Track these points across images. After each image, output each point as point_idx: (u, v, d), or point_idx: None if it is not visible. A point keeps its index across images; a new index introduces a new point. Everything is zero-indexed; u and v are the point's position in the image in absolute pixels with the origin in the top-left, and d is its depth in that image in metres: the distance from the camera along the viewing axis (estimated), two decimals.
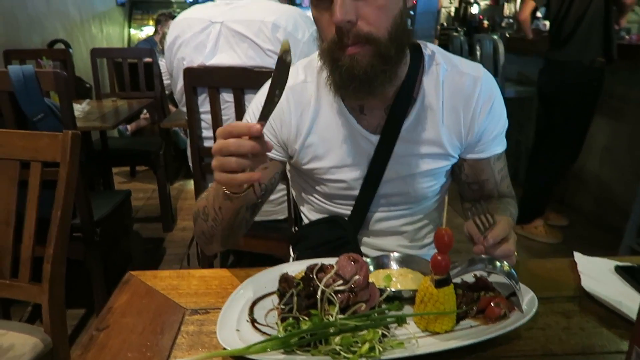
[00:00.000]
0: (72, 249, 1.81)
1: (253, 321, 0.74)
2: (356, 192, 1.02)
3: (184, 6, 5.80)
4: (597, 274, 0.88)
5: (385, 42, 0.84)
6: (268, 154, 0.97)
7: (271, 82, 0.72)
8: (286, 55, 0.70)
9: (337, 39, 0.83)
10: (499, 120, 1.00)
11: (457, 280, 0.80)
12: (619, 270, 0.89)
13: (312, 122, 0.99)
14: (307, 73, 1.00)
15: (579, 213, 3.30)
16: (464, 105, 0.97)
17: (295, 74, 1.01)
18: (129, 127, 4.07)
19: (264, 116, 0.72)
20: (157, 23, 4.36)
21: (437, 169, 1.02)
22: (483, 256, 0.79)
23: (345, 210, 1.06)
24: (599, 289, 0.83)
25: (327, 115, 0.99)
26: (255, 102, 1.03)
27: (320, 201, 1.09)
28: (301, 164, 1.03)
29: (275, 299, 0.78)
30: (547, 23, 3.03)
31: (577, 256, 0.94)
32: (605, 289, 0.82)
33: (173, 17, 4.30)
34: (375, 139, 0.98)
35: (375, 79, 0.86)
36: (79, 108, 2.47)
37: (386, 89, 0.91)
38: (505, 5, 4.91)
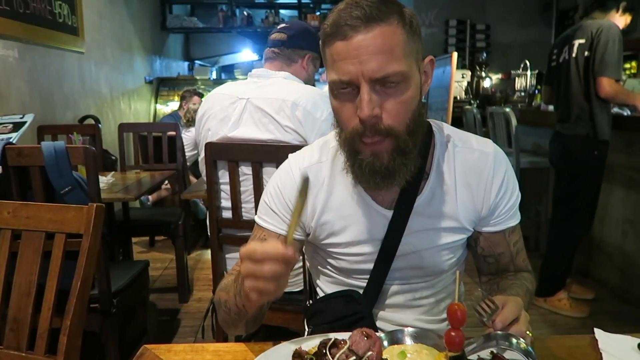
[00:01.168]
0: (89, 321, 1.80)
1: None
2: (371, 266, 1.03)
3: (208, 83, 6.12)
4: (620, 352, 0.85)
5: (404, 136, 0.88)
6: (286, 233, 1.01)
7: (297, 207, 0.78)
8: (307, 179, 0.80)
9: (357, 132, 0.88)
10: (512, 193, 1.02)
11: (474, 357, 0.78)
12: None
13: (326, 200, 1.02)
14: (322, 153, 1.05)
15: (605, 286, 3.20)
16: (477, 181, 1.00)
17: (310, 154, 1.05)
18: (150, 197, 4.17)
19: (292, 241, 0.78)
20: (182, 99, 4.59)
21: (453, 242, 1.03)
22: (499, 332, 0.78)
23: (361, 282, 1.06)
24: None
25: (341, 193, 1.02)
26: (267, 192, 1.06)
27: (336, 274, 1.09)
28: (318, 240, 1.05)
29: None
30: None
31: (598, 333, 0.92)
32: None
33: (197, 93, 4.55)
34: (389, 214, 1.00)
35: (397, 173, 0.90)
36: (104, 180, 2.56)
37: (406, 179, 0.94)
38: (517, 79, 5.06)
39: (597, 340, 0.89)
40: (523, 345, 0.75)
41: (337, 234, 1.03)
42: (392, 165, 0.88)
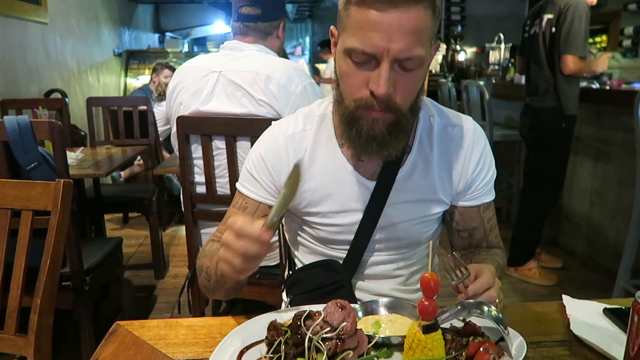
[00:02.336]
0: (61, 299, 1.79)
1: None
2: (351, 237, 1.04)
3: (179, 56, 5.97)
4: (586, 317, 0.88)
5: (406, 114, 0.89)
6: (268, 201, 1.03)
7: (286, 192, 0.76)
8: (299, 167, 0.78)
9: (366, 103, 0.87)
10: (488, 169, 1.05)
11: (446, 325, 0.80)
12: (608, 313, 0.89)
13: (308, 168, 1.02)
14: (306, 121, 1.04)
15: (573, 255, 3.31)
16: (456, 155, 1.02)
17: (295, 122, 1.05)
18: (122, 173, 4.09)
19: (274, 225, 0.75)
20: (153, 71, 4.47)
21: (430, 215, 1.05)
22: (471, 301, 0.79)
23: (340, 253, 1.07)
24: (588, 332, 0.83)
25: (324, 162, 1.02)
26: (249, 159, 1.06)
27: (315, 245, 1.10)
28: (298, 208, 1.06)
29: (264, 347, 0.78)
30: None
31: (566, 299, 0.95)
32: (595, 333, 0.82)
33: (169, 67, 4.43)
34: (371, 185, 1.01)
35: (391, 146, 0.91)
36: (73, 156, 2.49)
37: (396, 153, 0.94)
38: (491, 52, 5.08)
39: (564, 306, 0.92)
40: (494, 312, 0.76)
41: (317, 203, 1.03)
42: (388, 137, 0.89)
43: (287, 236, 1.21)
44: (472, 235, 1.08)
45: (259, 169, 1.03)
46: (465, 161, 1.02)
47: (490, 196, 1.07)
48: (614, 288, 2.45)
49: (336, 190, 1.02)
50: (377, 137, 0.89)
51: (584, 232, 3.21)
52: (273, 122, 1.08)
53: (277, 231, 1.14)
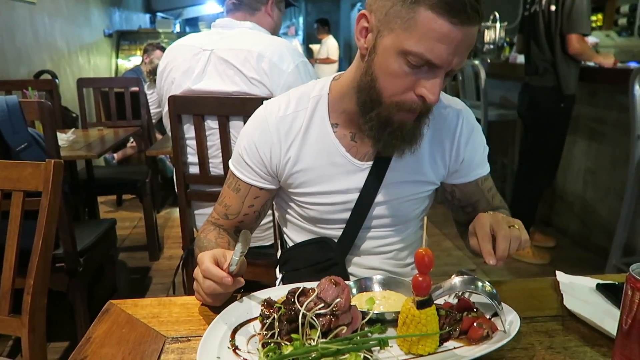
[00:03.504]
0: (55, 280, 1.78)
1: (234, 348, 0.73)
2: (346, 216, 1.05)
3: (171, 36, 5.89)
4: (580, 293, 0.89)
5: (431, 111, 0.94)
6: (259, 184, 1.05)
7: (241, 250, 0.80)
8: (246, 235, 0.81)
9: (411, 107, 0.87)
10: (479, 147, 1.07)
11: (440, 301, 0.80)
12: (601, 288, 0.89)
13: (300, 149, 1.02)
14: (299, 103, 1.03)
15: (566, 234, 3.33)
16: (447, 136, 1.03)
17: (287, 103, 1.03)
18: (115, 155, 4.06)
19: (234, 271, 0.81)
20: (145, 52, 4.40)
21: (420, 193, 1.07)
22: (465, 277, 0.79)
23: (331, 232, 1.08)
24: (581, 307, 0.83)
25: (316, 143, 1.01)
26: (241, 143, 1.06)
27: (304, 223, 1.11)
28: (290, 188, 1.06)
29: (257, 324, 0.78)
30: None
31: (560, 275, 0.95)
32: (588, 308, 0.83)
33: (160, 47, 4.37)
34: (363, 166, 1.01)
35: (414, 139, 0.94)
36: (64, 137, 2.46)
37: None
38: (486, 32, 5.03)
39: (558, 282, 0.92)
40: (488, 288, 0.77)
41: (309, 184, 1.03)
42: (414, 132, 0.92)
43: (276, 214, 1.21)
44: (476, 209, 1.10)
45: (251, 154, 1.03)
46: (456, 142, 1.03)
47: (486, 169, 1.09)
48: (606, 266, 2.47)
49: (328, 171, 1.02)
50: (403, 135, 0.91)
51: (577, 211, 3.23)
52: (265, 102, 1.07)
53: (269, 211, 1.15)
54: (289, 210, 1.12)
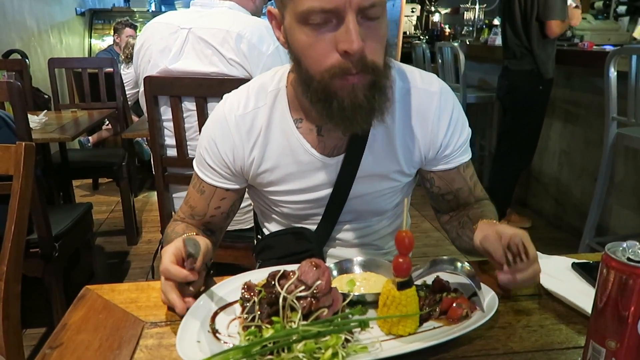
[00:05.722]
0: (30, 266, 1.75)
1: (214, 332, 0.72)
2: (320, 211, 1.03)
3: (146, 16, 5.73)
4: (555, 272, 0.90)
5: (382, 71, 0.82)
6: (225, 185, 1.01)
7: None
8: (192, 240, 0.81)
9: (341, 68, 0.78)
10: (461, 130, 1.00)
11: (420, 282, 0.80)
12: (576, 267, 0.91)
13: (263, 149, 0.97)
14: (258, 98, 0.97)
15: (541, 215, 3.40)
16: (421, 123, 0.97)
17: (246, 100, 0.98)
18: (90, 138, 3.97)
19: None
20: (115, 32, 4.28)
21: (397, 185, 1.03)
22: (444, 257, 0.80)
23: (309, 226, 1.06)
24: (557, 286, 0.84)
25: (280, 141, 0.97)
26: (202, 143, 1.01)
27: (282, 219, 1.09)
28: (260, 187, 1.03)
29: (238, 308, 0.77)
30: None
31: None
32: (563, 286, 0.84)
33: (129, 25, 4.25)
34: (332, 160, 0.96)
35: (377, 109, 0.84)
36: (36, 120, 2.39)
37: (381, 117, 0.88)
38: (465, 13, 5.04)
39: None
40: (467, 268, 0.77)
41: (278, 182, 1.00)
42: (373, 101, 0.82)
43: (256, 210, 1.19)
44: (457, 197, 1.05)
45: (212, 155, 0.99)
46: (433, 128, 0.96)
47: (468, 155, 1.04)
48: (579, 245, 2.54)
49: (295, 169, 0.98)
50: (363, 104, 0.81)
51: (552, 192, 3.29)
52: (224, 96, 1.01)
53: (246, 196, 1.13)
54: (262, 204, 1.10)
